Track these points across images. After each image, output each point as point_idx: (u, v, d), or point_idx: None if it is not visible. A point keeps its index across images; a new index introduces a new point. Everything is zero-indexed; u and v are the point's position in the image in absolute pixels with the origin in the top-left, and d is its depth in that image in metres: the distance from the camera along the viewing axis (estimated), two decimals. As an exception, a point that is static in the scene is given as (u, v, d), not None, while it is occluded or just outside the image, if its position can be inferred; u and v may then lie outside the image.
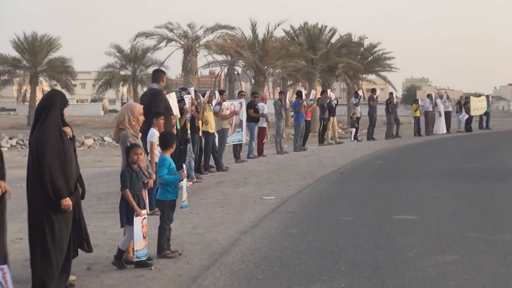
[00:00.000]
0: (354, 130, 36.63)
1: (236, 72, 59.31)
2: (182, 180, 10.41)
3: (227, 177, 20.33)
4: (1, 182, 7.79)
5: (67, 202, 8.26)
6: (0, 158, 8.09)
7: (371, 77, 67.23)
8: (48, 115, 8.37)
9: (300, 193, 17.07)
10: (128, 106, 10.44)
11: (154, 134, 13.37)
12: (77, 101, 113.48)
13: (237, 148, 25.53)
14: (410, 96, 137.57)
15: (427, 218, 13.50)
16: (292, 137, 33.44)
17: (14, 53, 65.59)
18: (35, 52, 64.83)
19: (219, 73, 62.40)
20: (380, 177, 20.33)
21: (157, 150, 12.88)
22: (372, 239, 11.58)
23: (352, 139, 36.19)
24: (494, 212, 14.28)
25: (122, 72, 68.38)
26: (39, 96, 66.27)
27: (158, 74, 15.60)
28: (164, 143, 10.61)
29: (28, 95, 66.72)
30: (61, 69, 66.21)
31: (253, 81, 49.62)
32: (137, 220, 9.54)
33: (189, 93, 19.22)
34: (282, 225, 12.92)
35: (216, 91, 24.23)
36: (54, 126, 8.36)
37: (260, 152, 27.10)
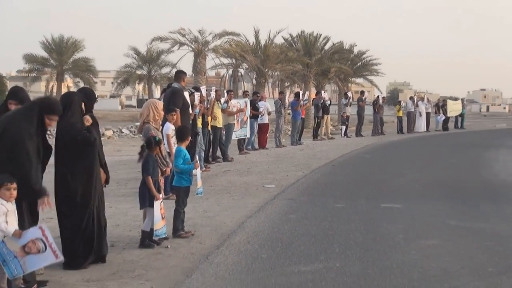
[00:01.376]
0: (344, 127, 36.61)
1: (239, 74, 59.21)
2: (196, 169, 10.39)
3: (232, 167, 20.30)
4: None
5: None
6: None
7: (359, 80, 67.25)
8: (69, 111, 8.41)
9: (298, 182, 17.04)
10: (153, 103, 10.47)
11: (169, 127, 13.36)
12: (98, 97, 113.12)
13: (241, 141, 25.54)
14: (393, 98, 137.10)
15: (411, 207, 13.49)
16: (289, 132, 33.45)
17: (43, 53, 65.70)
18: (62, 52, 64.95)
19: (225, 75, 62.27)
20: (368, 170, 20.34)
21: (172, 141, 12.90)
22: (362, 224, 11.57)
23: (343, 135, 36.16)
24: (472, 202, 14.26)
25: (138, 72, 68.39)
26: (64, 91, 66.37)
27: (179, 75, 15.75)
28: (180, 136, 10.61)
29: (54, 90, 66.59)
30: (84, 68, 66.33)
31: (254, 82, 49.52)
32: (156, 204, 9.60)
33: (199, 91, 19.21)
34: (283, 210, 12.91)
35: (225, 91, 24.29)
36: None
37: (263, 145, 27.13)
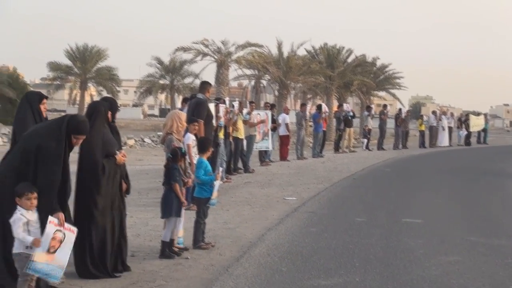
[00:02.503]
0: (366, 140, 36.57)
1: (262, 85, 59.28)
2: (217, 180, 10.43)
3: (253, 178, 20.33)
4: None
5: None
6: None
7: (381, 93, 67.01)
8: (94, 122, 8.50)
9: (318, 195, 17.03)
10: (176, 114, 10.54)
11: (189, 137, 13.40)
12: (120, 105, 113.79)
13: (262, 153, 25.56)
14: (415, 111, 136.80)
15: (432, 222, 13.45)
16: (311, 144, 33.49)
17: (67, 61, 66.12)
18: (86, 61, 65.39)
19: (247, 86, 62.43)
20: (389, 184, 20.27)
21: (193, 152, 12.94)
22: (383, 239, 11.55)
23: (364, 148, 36.11)
24: (492, 218, 14.22)
25: (161, 81, 68.52)
26: (87, 99, 66.79)
27: (205, 85, 15.78)
28: (202, 147, 10.64)
29: (78, 98, 67.05)
30: (107, 76, 66.70)
31: (277, 93, 49.55)
32: (182, 212, 9.73)
33: (224, 103, 19.27)
34: (303, 223, 12.91)
35: (247, 102, 24.36)
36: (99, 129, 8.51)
37: (284, 157, 27.16)
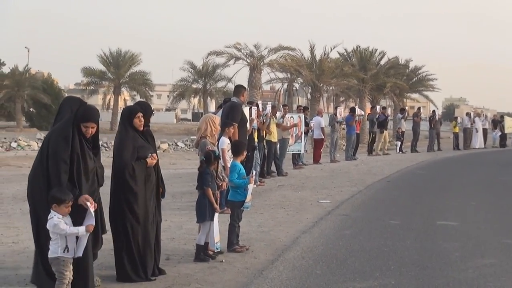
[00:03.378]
0: (399, 143, 36.36)
1: (294, 88, 59.20)
2: (251, 184, 10.43)
3: (287, 182, 20.32)
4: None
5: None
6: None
7: (414, 95, 66.58)
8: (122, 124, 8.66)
9: (352, 198, 16.98)
10: (210, 118, 10.54)
11: (224, 141, 13.44)
12: (153, 110, 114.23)
13: (295, 156, 25.55)
14: (449, 113, 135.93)
15: (467, 224, 13.35)
16: (344, 147, 33.39)
17: (101, 67, 66.57)
18: (119, 66, 65.69)
19: (280, 89, 62.35)
20: (423, 186, 20.13)
21: (227, 156, 12.96)
22: (418, 242, 11.48)
23: (398, 151, 35.90)
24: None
25: (194, 86, 68.69)
26: (121, 104, 67.24)
27: (239, 89, 15.80)
28: (236, 150, 10.66)
29: (111, 103, 67.45)
30: (141, 81, 66.93)
31: (309, 96, 49.48)
32: (215, 216, 9.73)
33: (257, 106, 19.29)
34: (337, 226, 12.87)
35: (281, 105, 24.42)
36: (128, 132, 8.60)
37: (317, 160, 27.14)
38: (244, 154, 10.78)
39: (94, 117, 7.80)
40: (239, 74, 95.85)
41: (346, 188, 18.91)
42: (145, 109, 8.91)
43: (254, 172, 10.52)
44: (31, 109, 67.06)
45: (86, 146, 7.70)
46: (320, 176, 22.12)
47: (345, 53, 55.05)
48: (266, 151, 21.08)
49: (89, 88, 66.98)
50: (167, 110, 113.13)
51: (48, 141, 7.65)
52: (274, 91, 69.71)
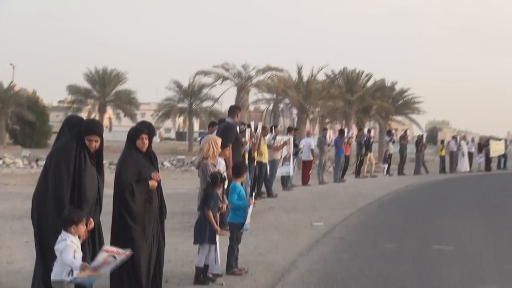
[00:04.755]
0: (387, 165, 36.34)
1: (279, 109, 59.30)
2: (251, 205, 10.33)
3: (277, 203, 20.20)
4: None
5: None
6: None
7: (399, 118, 66.77)
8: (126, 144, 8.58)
9: (346, 221, 16.89)
10: (213, 139, 10.47)
11: (220, 163, 13.35)
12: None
13: (284, 177, 25.43)
14: (432, 136, 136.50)
15: (463, 249, 13.27)
16: (330, 169, 33.33)
17: (86, 85, 66.40)
18: (105, 84, 65.65)
19: (265, 110, 62.41)
20: (415, 209, 20.11)
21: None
22: (416, 266, 11.41)
23: (385, 173, 35.88)
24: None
25: (180, 105, 68.60)
26: (106, 123, 67.10)
27: (234, 110, 15.75)
28: (237, 172, 10.55)
29: (96, 121, 67.13)
30: (126, 100, 66.86)
31: (294, 117, 49.59)
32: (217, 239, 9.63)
33: (249, 127, 19.21)
34: (334, 249, 12.77)
35: (272, 126, 24.41)
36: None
37: (306, 181, 27.08)
38: (245, 176, 10.69)
39: (98, 130, 7.70)
40: (226, 94, 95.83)
41: (338, 210, 18.81)
42: (148, 129, 8.81)
43: (254, 193, 10.41)
44: (15, 126, 66.64)
45: (90, 161, 7.59)
46: (310, 198, 22.03)
47: (331, 75, 55.21)
48: (256, 172, 20.98)
49: (74, 106, 66.74)
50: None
51: (50, 158, 7.53)
52: (259, 111, 69.75)
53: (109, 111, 72.05)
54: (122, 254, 7.11)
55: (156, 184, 8.48)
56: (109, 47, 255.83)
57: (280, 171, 24.58)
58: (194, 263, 10.06)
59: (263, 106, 61.08)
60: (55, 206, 7.30)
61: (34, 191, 7.64)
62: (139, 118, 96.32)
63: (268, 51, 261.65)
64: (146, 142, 8.50)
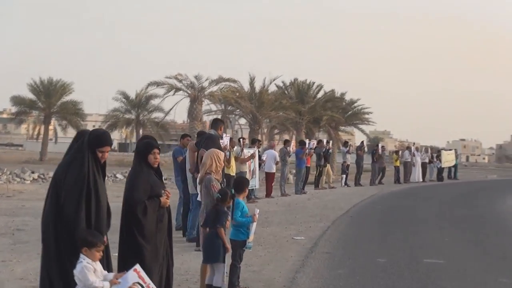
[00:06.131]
0: (344, 176, 36.33)
1: (229, 120, 59.01)
2: (254, 222, 9.99)
3: (248, 216, 19.84)
4: None
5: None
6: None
7: (348, 128, 67.04)
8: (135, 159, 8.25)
9: (325, 234, 16.62)
10: (216, 153, 10.08)
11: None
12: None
13: (248, 190, 25.06)
14: (374, 146, 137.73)
15: (454, 262, 13.14)
16: (289, 180, 33.16)
17: (30, 95, 65.02)
18: (50, 95, 64.32)
19: (206, 120, 61.88)
20: (388, 221, 19.99)
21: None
22: (416, 281, 11.21)
23: (343, 184, 35.86)
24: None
25: (127, 116, 67.81)
26: (50, 134, 65.99)
27: (217, 123, 15.48)
28: (238, 187, 10.16)
29: (41, 132, 66.04)
30: (72, 111, 65.61)
31: (248, 128, 49.31)
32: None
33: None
34: (328, 265, 12.47)
35: (240, 138, 24.14)
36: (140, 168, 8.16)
37: (269, 193, 26.82)
38: (247, 191, 10.35)
39: (109, 140, 7.44)
40: (170, 102, 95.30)
41: (313, 223, 18.56)
42: (157, 143, 8.43)
43: (258, 210, 10.06)
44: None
45: (97, 173, 7.21)
46: (280, 211, 21.74)
47: (283, 86, 55.13)
48: (224, 184, 20.59)
49: (18, 117, 65.49)
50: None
51: (61, 173, 7.11)
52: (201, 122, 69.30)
53: (53, 122, 70.68)
54: (149, 286, 6.77)
55: (168, 201, 8.12)
56: (55, 60, 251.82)
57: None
58: (191, 281, 9.71)
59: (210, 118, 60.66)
60: (73, 226, 6.88)
61: (44, 212, 7.18)
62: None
63: (220, 62, 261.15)
64: (158, 157, 8.12)
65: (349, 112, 59.49)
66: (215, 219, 9.34)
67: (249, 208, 20.54)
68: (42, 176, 37.18)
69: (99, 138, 7.30)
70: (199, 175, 10.25)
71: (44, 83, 65.03)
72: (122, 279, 6.63)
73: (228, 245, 9.38)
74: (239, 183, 10.31)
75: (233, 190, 9.67)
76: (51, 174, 37.81)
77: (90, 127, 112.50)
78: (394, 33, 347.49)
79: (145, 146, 8.17)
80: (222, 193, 9.54)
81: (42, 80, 65.18)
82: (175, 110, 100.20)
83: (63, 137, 74.87)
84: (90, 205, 7.05)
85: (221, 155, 9.99)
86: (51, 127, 70.95)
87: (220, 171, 9.92)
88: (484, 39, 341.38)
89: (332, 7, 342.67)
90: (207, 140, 14.23)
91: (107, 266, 7.35)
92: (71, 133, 67.05)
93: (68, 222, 6.89)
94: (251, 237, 10.04)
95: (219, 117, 56.04)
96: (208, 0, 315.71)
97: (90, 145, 7.21)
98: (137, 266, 6.83)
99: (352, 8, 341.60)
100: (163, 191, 8.09)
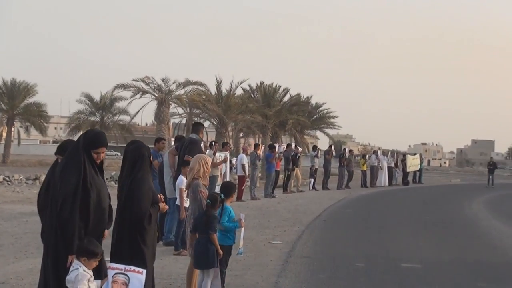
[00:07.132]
0: (312, 180, 36.49)
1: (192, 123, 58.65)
2: (242, 227, 10.04)
3: (221, 220, 19.88)
4: None
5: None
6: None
7: (313, 132, 67.17)
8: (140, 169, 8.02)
9: (301, 238, 16.72)
10: (203, 158, 10.09)
11: (183, 181, 13.04)
12: (40, 142, 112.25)
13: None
14: (337, 150, 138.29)
15: (431, 267, 13.28)
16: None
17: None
18: (13, 97, 63.57)
19: (179, 123, 61.62)
20: (361, 226, 20.13)
21: (185, 195, 12.55)
22: (398, 285, 11.39)
23: (311, 188, 36.02)
24: (485, 262, 14.20)
25: (91, 118, 67.15)
26: (13, 136, 65.22)
27: (198, 127, 15.48)
28: (227, 192, 10.18)
29: (4, 135, 65.20)
30: (36, 113, 64.88)
31: (214, 131, 49.21)
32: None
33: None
34: (308, 269, 12.54)
35: (212, 142, 24.17)
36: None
37: (240, 197, 26.87)
38: (234, 196, 10.40)
39: (105, 141, 7.44)
40: (137, 106, 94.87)
41: (287, 228, 18.66)
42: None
43: (243, 215, 10.11)
44: None
45: (95, 174, 7.21)
46: (252, 215, 21.70)
47: (249, 90, 55.08)
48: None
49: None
50: (54, 142, 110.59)
51: (57, 175, 7.11)
52: (173, 125, 69.01)
53: (16, 124, 69.84)
54: (132, 270, 6.80)
55: (166, 207, 8.17)
56: (19, 61, 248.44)
57: (218, 188, 24.27)
58: (174, 286, 9.75)
59: (177, 120, 60.39)
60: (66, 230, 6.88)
61: (46, 216, 7.18)
62: (51, 132, 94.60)
63: (189, 66, 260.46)
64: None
65: (315, 116, 59.66)
66: (206, 225, 9.35)
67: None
68: (7, 178, 36.69)
69: (93, 140, 7.31)
70: (187, 180, 10.27)
71: (7, 84, 64.19)
72: (104, 285, 6.71)
73: (220, 250, 9.40)
74: (228, 188, 10.35)
75: (222, 195, 9.71)
76: (17, 176, 37.14)
77: (52, 129, 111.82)
78: (357, 37, 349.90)
79: (148, 151, 8.12)
80: (212, 199, 9.55)
81: (5, 82, 64.40)
82: (142, 113, 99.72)
83: (26, 139, 74.20)
84: (89, 206, 7.04)
85: (209, 160, 10.02)
86: (17, 128, 70.16)
87: (208, 176, 9.95)
88: (442, 42, 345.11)
89: (297, 12, 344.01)
90: (190, 145, 14.26)
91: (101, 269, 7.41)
92: (34, 135, 66.54)
93: (62, 226, 6.89)
94: (241, 242, 10.11)
95: (184, 121, 56.00)
96: (176, 2, 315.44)
97: (85, 147, 7.22)
98: (109, 264, 6.91)
99: (315, 13, 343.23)
100: (158, 197, 8.11)
